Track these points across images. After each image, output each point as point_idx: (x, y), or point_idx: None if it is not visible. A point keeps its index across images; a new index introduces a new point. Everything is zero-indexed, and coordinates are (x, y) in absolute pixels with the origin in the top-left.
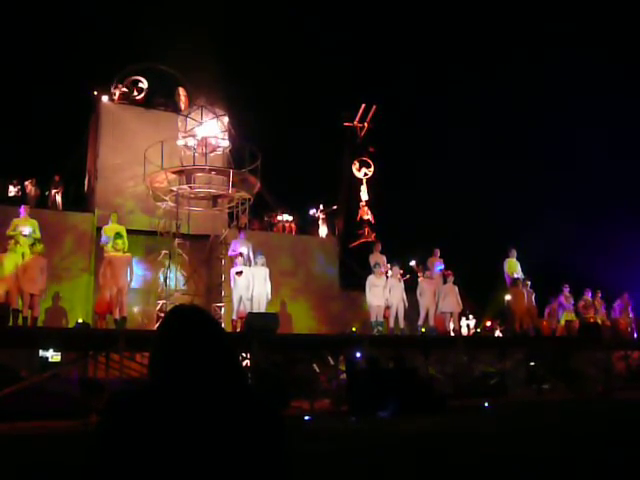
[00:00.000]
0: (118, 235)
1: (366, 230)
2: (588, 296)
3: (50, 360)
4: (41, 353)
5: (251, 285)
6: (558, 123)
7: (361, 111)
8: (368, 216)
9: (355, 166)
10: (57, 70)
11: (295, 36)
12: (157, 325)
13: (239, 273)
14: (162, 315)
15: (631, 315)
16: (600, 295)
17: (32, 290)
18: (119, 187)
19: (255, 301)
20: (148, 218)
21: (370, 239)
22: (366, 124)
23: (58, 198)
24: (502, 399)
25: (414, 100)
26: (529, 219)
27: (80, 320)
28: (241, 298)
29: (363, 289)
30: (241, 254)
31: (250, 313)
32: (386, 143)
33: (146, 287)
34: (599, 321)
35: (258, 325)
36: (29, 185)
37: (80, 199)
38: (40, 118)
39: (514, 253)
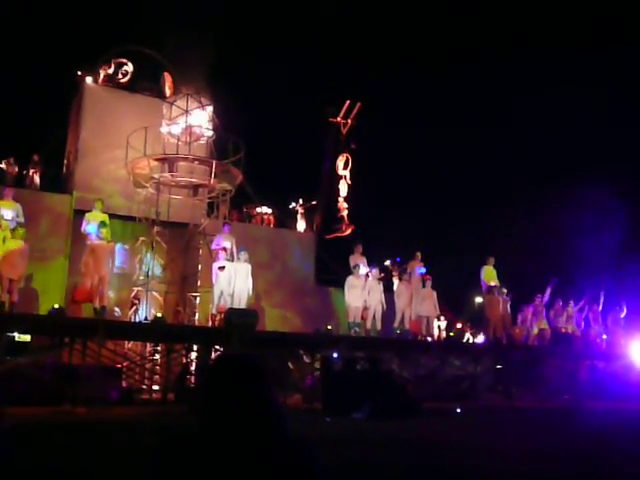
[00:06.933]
0: (103, 224)
1: (343, 225)
2: (559, 306)
3: (17, 339)
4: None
5: (233, 280)
6: (551, 129)
7: (345, 107)
8: (346, 212)
9: (340, 162)
10: (41, 48)
11: (282, 29)
12: (207, 373)
13: (221, 268)
14: (136, 302)
15: (600, 326)
16: (572, 304)
17: (12, 275)
18: (99, 170)
19: (236, 297)
20: (127, 203)
21: (346, 234)
22: (350, 120)
23: (36, 178)
24: (473, 403)
25: (400, 98)
26: (508, 227)
27: (56, 306)
28: (222, 293)
29: (338, 285)
30: (224, 249)
31: (230, 309)
32: (369, 141)
33: (121, 272)
34: (570, 331)
35: (238, 321)
36: (7, 163)
37: (58, 181)
38: (21, 96)
39: (492, 261)
